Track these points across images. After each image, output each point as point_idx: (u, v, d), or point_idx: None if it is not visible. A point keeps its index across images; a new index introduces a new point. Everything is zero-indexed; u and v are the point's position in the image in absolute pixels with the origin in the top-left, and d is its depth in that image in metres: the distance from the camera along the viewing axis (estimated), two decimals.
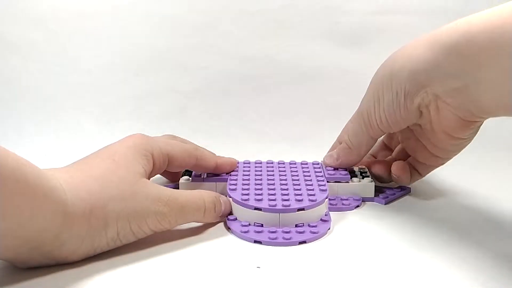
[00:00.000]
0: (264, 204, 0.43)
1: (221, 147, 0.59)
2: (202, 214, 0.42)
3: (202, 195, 0.43)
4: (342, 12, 0.66)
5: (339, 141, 0.52)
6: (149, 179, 0.42)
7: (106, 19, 0.68)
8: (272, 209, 0.42)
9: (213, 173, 0.49)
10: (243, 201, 0.43)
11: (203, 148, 0.50)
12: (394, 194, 0.50)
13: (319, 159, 0.54)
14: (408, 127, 0.47)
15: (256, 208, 0.42)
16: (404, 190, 0.51)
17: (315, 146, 0.56)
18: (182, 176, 0.50)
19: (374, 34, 0.65)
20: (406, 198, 0.50)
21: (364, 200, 0.49)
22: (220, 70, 0.67)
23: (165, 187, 0.41)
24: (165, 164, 0.44)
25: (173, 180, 0.52)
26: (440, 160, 0.48)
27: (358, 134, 0.49)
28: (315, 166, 0.52)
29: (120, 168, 0.38)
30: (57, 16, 0.68)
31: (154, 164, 0.42)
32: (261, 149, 0.58)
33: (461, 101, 0.41)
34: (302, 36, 0.66)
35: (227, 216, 0.44)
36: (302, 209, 0.42)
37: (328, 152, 0.53)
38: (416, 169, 0.50)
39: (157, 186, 0.40)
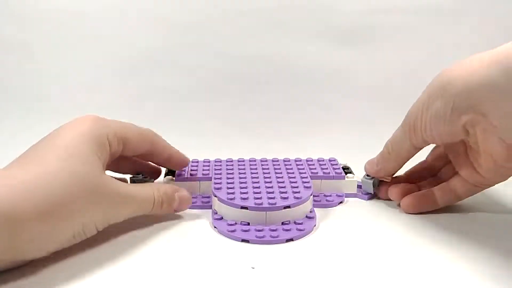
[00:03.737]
0: (250, 202, 0.43)
1: (215, 146, 0.59)
2: (150, 208, 0.42)
3: (153, 190, 0.42)
4: (336, 11, 0.66)
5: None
6: (105, 168, 0.41)
7: (100, 19, 0.68)
8: (258, 208, 0.42)
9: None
10: (229, 200, 0.43)
11: (160, 137, 0.47)
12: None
13: (313, 157, 0.54)
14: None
15: (242, 207, 0.43)
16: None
17: (309, 145, 0.56)
18: (166, 176, 0.50)
19: (369, 33, 0.65)
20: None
21: (347, 196, 0.50)
22: (214, 70, 0.67)
23: (119, 181, 0.40)
24: (120, 148, 0.42)
25: (129, 170, 0.49)
26: (482, 180, 0.45)
27: (399, 140, 0.46)
28: (297, 162, 0.52)
29: (76, 164, 0.36)
30: (51, 16, 0.67)
31: (109, 150, 0.40)
32: (255, 148, 0.58)
33: (510, 126, 0.39)
34: (297, 35, 0.66)
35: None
36: (288, 206, 0.43)
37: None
38: (454, 191, 0.46)
39: (114, 181, 0.39)
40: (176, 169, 0.49)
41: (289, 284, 0.35)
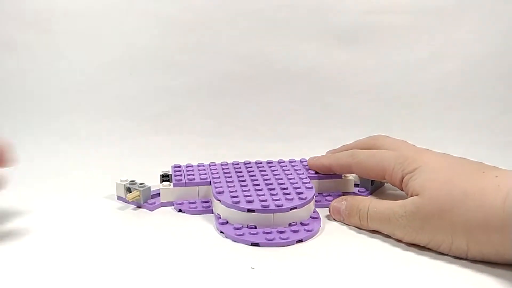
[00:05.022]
0: (257, 205, 0.42)
1: (214, 146, 0.58)
2: None
3: None
4: (336, 11, 0.66)
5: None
6: None
7: (100, 19, 0.66)
8: (265, 210, 0.42)
9: None
10: (235, 204, 0.42)
11: None
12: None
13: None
14: None
15: (249, 210, 0.42)
16: (380, 183, 0.52)
17: (309, 145, 0.56)
18: (162, 182, 0.49)
19: (368, 33, 0.66)
20: (382, 189, 0.52)
21: (344, 195, 0.50)
22: (214, 70, 0.66)
23: None
24: None
25: None
26: None
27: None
28: (292, 163, 0.52)
29: None
30: (51, 16, 0.65)
31: None
32: (255, 149, 0.57)
33: None
34: (296, 35, 0.66)
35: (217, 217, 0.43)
36: (295, 207, 0.42)
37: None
38: None
39: None
40: None
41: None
